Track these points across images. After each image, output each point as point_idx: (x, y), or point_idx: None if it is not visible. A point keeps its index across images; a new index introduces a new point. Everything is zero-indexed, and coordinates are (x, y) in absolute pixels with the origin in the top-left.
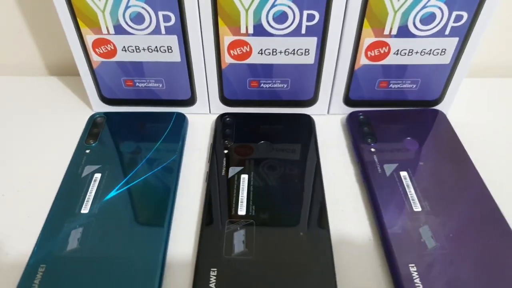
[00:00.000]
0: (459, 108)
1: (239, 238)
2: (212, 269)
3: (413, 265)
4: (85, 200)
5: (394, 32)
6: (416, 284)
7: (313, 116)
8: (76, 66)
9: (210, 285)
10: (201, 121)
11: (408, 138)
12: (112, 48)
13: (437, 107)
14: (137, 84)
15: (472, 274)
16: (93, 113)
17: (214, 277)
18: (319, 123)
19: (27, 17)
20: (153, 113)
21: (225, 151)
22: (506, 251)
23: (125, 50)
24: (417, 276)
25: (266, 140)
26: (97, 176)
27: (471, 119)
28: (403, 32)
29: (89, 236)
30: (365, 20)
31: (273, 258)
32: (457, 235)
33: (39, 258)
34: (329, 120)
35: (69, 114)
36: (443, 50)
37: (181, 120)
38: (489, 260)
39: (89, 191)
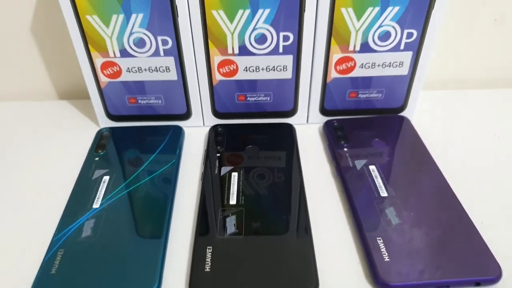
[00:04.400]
0: (422, 115)
1: (231, 222)
2: (208, 247)
3: (380, 238)
4: (96, 197)
5: (357, 48)
6: (383, 252)
7: (294, 125)
8: (82, 91)
9: (207, 260)
10: (196, 133)
11: (376, 139)
12: (118, 69)
13: (402, 113)
14: (139, 101)
15: (427, 244)
16: (100, 128)
17: (210, 253)
18: (300, 131)
19: (40, 49)
20: (153, 127)
21: (218, 155)
22: (458, 226)
23: (129, 71)
24: (383, 246)
25: (253, 145)
26: (106, 178)
27: (432, 124)
28: (365, 48)
29: (100, 225)
30: (332, 39)
31: (260, 237)
32: (416, 214)
33: (58, 244)
34: (308, 128)
35: (78, 130)
36: (401, 63)
37: (178, 132)
38: (442, 232)
39: (99, 190)
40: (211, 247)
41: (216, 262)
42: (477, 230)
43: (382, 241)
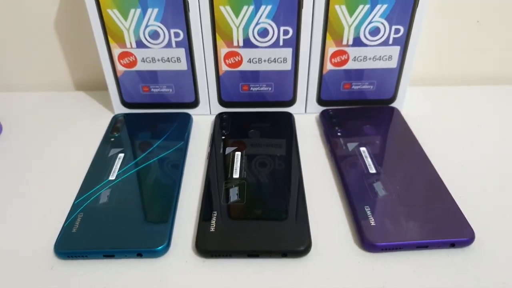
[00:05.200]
0: (411, 107)
1: (233, 192)
2: (213, 211)
3: (367, 207)
4: (112, 171)
5: (350, 42)
6: (370, 219)
7: (293, 114)
8: (98, 82)
9: (212, 222)
10: (203, 120)
11: (368, 126)
12: (134, 59)
13: (392, 104)
14: (152, 89)
15: (409, 212)
16: (115, 114)
17: (215, 217)
18: (298, 119)
19: (60, 42)
20: (164, 113)
21: (223, 137)
22: (437, 197)
23: (144, 61)
24: (370, 213)
25: (255, 131)
26: (121, 155)
27: (420, 115)
28: (357, 42)
29: (116, 194)
30: (328, 33)
31: (259, 204)
32: (401, 187)
33: (78, 209)
34: (306, 118)
35: (95, 117)
36: (390, 56)
37: (187, 118)
38: (423, 202)
39: (115, 164)
40: (216, 211)
41: (220, 224)
42: (454, 201)
43: (369, 209)
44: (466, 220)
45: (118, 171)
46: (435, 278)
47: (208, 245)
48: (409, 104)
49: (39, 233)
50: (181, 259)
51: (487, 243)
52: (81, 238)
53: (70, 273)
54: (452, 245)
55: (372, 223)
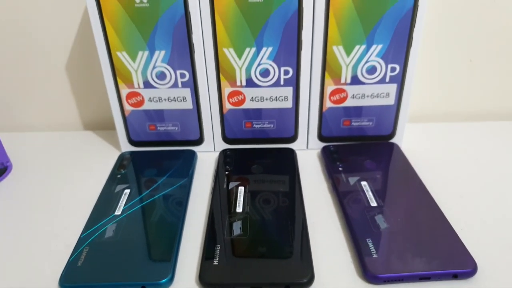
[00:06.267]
0: (410, 142)
1: (237, 226)
2: (216, 245)
3: (369, 239)
4: (118, 206)
5: (348, 80)
6: (372, 250)
7: (295, 150)
8: (105, 122)
9: (215, 255)
10: (207, 157)
11: (368, 161)
12: (141, 99)
13: (392, 140)
14: (158, 128)
15: (411, 243)
16: (122, 152)
17: (218, 250)
18: (300, 155)
19: (70, 84)
20: (170, 151)
21: (226, 173)
22: (439, 229)
23: (151, 100)
24: (372, 245)
25: (258, 167)
26: (127, 191)
27: (420, 150)
28: (355, 80)
29: (121, 229)
30: (326, 73)
31: (262, 237)
32: (402, 220)
33: (84, 243)
34: (307, 153)
35: (102, 155)
36: (387, 94)
37: (192, 155)
38: (424, 234)
39: (121, 200)
40: (219, 245)
41: (223, 257)
42: (456, 233)
43: (371, 241)
44: (468, 252)
45: (124, 206)
46: None
47: (212, 278)
48: (408, 139)
49: (45, 267)
50: None
51: (490, 274)
52: (86, 272)
53: None
54: (455, 276)
55: (374, 255)
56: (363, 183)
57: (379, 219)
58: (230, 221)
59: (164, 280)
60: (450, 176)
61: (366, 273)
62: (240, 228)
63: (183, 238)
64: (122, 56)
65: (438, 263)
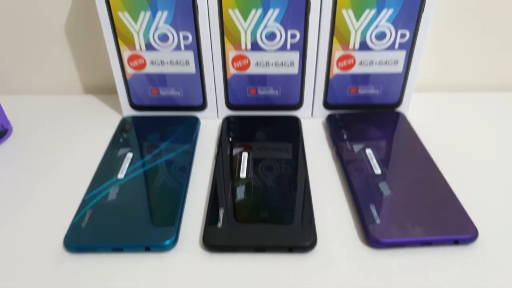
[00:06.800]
0: (416, 112)
1: (240, 190)
2: (220, 208)
3: (372, 205)
4: (121, 170)
5: (357, 46)
6: (375, 217)
7: (299, 118)
8: (106, 86)
9: (219, 218)
10: (210, 124)
11: (374, 129)
12: (143, 62)
13: (398, 109)
14: (160, 92)
15: (414, 210)
16: (124, 116)
17: (222, 213)
18: (305, 123)
19: (70, 47)
20: (172, 116)
21: (230, 139)
22: (441, 196)
23: (153, 64)
24: (375, 211)
25: (262, 135)
26: (129, 155)
27: (425, 119)
28: (364, 46)
29: (125, 192)
30: (334, 37)
31: (266, 203)
32: (406, 187)
33: (87, 205)
34: (312, 122)
35: (104, 119)
36: (396, 61)
37: (195, 121)
38: (427, 201)
39: (123, 163)
40: (223, 208)
41: (227, 220)
42: (458, 200)
43: (374, 207)
44: (470, 218)
45: (127, 170)
46: (439, 275)
47: (216, 240)
48: (414, 109)
49: (49, 229)
50: (188, 253)
51: (491, 240)
52: (90, 233)
53: (80, 266)
54: (456, 242)
55: (377, 221)
56: (368, 151)
57: (383, 186)
58: (234, 186)
59: (168, 242)
60: (455, 146)
61: (368, 238)
62: (244, 193)
63: (187, 203)
64: (124, 17)
65: (439, 229)
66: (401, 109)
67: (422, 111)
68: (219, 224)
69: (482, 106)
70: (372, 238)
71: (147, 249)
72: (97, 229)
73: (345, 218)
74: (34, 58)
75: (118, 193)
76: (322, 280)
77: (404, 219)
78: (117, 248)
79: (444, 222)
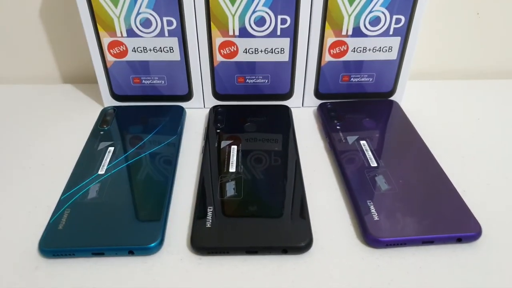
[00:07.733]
0: (410, 101)
1: (230, 186)
2: (209, 207)
3: (370, 201)
4: (102, 165)
5: (350, 32)
6: (373, 213)
7: (290, 107)
8: (86, 75)
9: (207, 218)
10: (197, 114)
11: (367, 119)
12: (124, 49)
13: (391, 98)
14: (143, 81)
15: (414, 205)
16: (104, 107)
17: (211, 212)
18: (296, 113)
19: (47, 34)
20: (156, 106)
21: (217, 131)
22: (441, 191)
23: (135, 51)
24: (373, 208)
25: (251, 125)
26: (111, 149)
27: (419, 108)
28: (357, 32)
29: (106, 189)
30: (327, 23)
31: (258, 199)
32: (404, 181)
33: (65, 204)
34: (303, 111)
35: (84, 110)
36: (390, 48)
37: (180, 111)
38: (427, 196)
39: (104, 158)
40: (211, 207)
41: (216, 220)
42: (459, 195)
43: (372, 203)
44: (473, 215)
45: (108, 165)
46: (442, 274)
47: (204, 242)
48: (408, 98)
49: (23, 231)
50: (175, 256)
51: (494, 238)
52: (68, 235)
53: (56, 273)
54: (459, 240)
55: (376, 218)
56: (362, 142)
57: (380, 180)
58: (223, 182)
59: (153, 244)
60: (451, 136)
61: (367, 236)
62: (233, 189)
63: (173, 200)
64: (103, 0)
65: (441, 226)
66: (394, 98)
67: (416, 100)
68: (208, 224)
69: (477, 94)
70: (371, 236)
71: (131, 252)
72: (76, 231)
73: (341, 214)
74: (10, 45)
75: (99, 190)
76: (320, 282)
77: (404, 216)
78: (98, 252)
79: (446, 219)
